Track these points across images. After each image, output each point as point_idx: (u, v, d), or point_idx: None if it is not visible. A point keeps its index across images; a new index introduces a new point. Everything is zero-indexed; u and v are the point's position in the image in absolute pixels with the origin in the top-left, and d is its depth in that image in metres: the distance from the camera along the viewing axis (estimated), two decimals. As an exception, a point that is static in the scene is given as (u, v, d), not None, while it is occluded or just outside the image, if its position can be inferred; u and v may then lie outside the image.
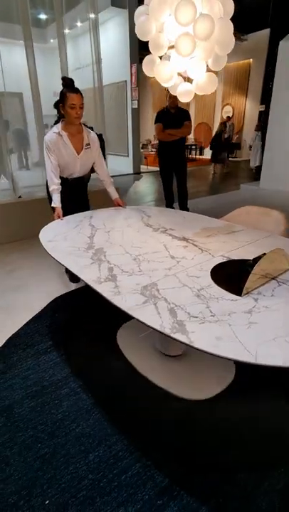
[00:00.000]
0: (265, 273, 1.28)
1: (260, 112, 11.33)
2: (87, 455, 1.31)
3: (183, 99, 1.51)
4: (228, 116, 12.05)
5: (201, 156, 13.12)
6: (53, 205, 2.27)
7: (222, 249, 1.60)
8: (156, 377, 1.68)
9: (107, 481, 1.21)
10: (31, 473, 1.25)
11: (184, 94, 1.50)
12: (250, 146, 11.94)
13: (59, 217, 2.23)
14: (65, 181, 2.34)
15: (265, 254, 1.30)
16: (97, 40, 3.86)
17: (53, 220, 2.22)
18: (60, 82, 2.12)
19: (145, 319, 1.08)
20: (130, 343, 1.95)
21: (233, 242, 1.68)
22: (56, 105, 2.21)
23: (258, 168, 7.10)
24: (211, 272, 1.38)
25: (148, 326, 1.06)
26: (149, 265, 1.45)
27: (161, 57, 1.46)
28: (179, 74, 1.47)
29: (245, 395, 1.58)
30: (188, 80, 1.50)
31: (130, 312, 1.13)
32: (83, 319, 2.24)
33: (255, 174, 7.96)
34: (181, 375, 1.69)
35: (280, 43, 5.56)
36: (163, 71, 1.39)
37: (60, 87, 2.11)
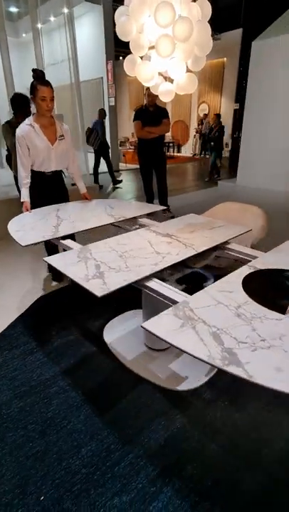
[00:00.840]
0: None
1: (235, 110, 11.61)
2: (80, 450, 1.33)
3: (164, 98, 1.55)
4: (205, 114, 12.25)
5: (178, 154, 13.25)
6: (21, 199, 2.27)
7: (205, 244, 1.65)
8: (144, 370, 1.71)
9: (100, 474, 1.24)
10: (24, 471, 1.25)
11: (165, 93, 1.54)
12: (226, 144, 12.22)
13: (27, 210, 2.24)
14: (41, 175, 2.32)
15: None
16: (72, 36, 3.81)
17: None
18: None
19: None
20: (117, 338, 1.98)
21: (217, 237, 1.74)
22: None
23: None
24: (243, 284, 1.27)
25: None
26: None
27: (142, 57, 1.49)
28: (160, 74, 1.50)
29: (231, 383, 1.65)
30: (169, 79, 1.54)
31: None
32: (69, 318, 2.24)
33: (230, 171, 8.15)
34: (168, 368, 1.74)
35: (253, 43, 5.72)
36: (144, 71, 1.42)
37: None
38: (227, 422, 1.44)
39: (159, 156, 4.19)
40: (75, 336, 2.04)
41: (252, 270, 1.37)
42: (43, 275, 2.81)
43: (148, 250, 1.57)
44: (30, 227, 1.97)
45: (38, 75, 2.08)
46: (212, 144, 6.99)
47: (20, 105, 3.18)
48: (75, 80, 3.99)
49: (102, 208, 2.39)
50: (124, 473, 1.24)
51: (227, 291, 1.23)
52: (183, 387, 1.63)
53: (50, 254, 2.47)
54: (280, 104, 5.59)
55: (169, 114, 4.22)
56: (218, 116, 6.92)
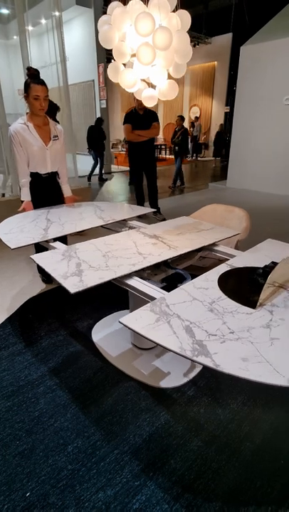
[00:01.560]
0: (272, 281, 1.25)
1: (226, 114, 11.77)
2: (66, 447, 1.35)
3: (147, 103, 1.60)
4: (196, 117, 12.38)
5: (170, 156, 13.34)
6: (22, 198, 2.26)
7: (189, 246, 1.70)
8: (130, 369, 1.75)
9: (86, 470, 1.27)
10: (10, 469, 1.27)
11: (148, 98, 1.58)
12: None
13: (25, 210, 2.25)
14: (37, 177, 2.31)
15: (273, 262, 1.28)
16: (61, 39, 3.85)
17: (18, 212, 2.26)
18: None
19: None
20: (105, 338, 2.01)
21: (202, 240, 1.78)
22: None
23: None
24: (218, 281, 1.33)
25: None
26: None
27: (125, 64, 1.53)
28: (144, 80, 1.55)
29: (214, 380, 1.70)
30: (153, 85, 1.58)
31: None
32: (58, 318, 2.26)
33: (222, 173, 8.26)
34: (154, 366, 1.78)
35: (241, 48, 5.82)
36: (127, 78, 1.47)
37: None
38: (210, 417, 1.49)
39: (149, 159, 4.24)
40: (64, 337, 2.06)
41: (229, 268, 1.44)
42: (34, 277, 2.83)
43: (132, 251, 1.61)
44: (19, 229, 1.97)
45: (32, 74, 2.04)
46: (176, 148, 6.70)
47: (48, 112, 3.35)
48: (63, 83, 4.02)
49: (91, 210, 2.40)
50: (109, 469, 1.27)
51: (203, 288, 1.29)
52: (168, 384, 1.66)
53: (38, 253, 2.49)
54: (268, 108, 5.71)
55: (161, 117, 4.29)
56: (181, 118, 6.63)
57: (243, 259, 1.53)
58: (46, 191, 2.40)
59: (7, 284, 2.75)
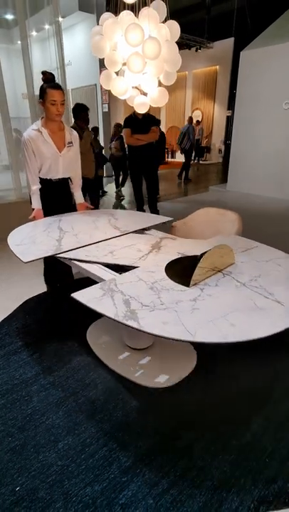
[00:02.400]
0: (213, 266, 1.44)
1: (228, 117, 11.83)
2: (57, 444, 1.39)
3: (139, 110, 1.64)
4: (198, 121, 12.44)
5: (172, 159, 13.41)
6: (32, 206, 2.22)
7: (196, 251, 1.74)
8: (123, 368, 1.78)
9: (75, 466, 1.30)
10: (1, 465, 1.31)
11: (140, 105, 1.63)
12: (220, 150, 12.44)
13: (35, 218, 2.21)
14: (48, 183, 2.26)
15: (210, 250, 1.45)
16: (60, 45, 3.93)
17: (29, 220, 2.22)
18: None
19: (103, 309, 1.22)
20: (100, 339, 2.04)
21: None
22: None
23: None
24: (166, 267, 1.52)
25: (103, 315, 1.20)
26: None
27: (117, 73, 1.58)
28: (136, 88, 1.60)
29: (204, 380, 1.73)
30: (145, 92, 1.63)
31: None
32: (54, 320, 2.31)
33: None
34: (147, 367, 1.81)
35: (241, 53, 5.88)
36: (118, 85, 1.51)
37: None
38: (198, 416, 1.52)
39: (149, 163, 4.29)
40: (59, 337, 2.10)
41: (179, 256, 1.65)
42: (33, 278, 2.87)
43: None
44: (31, 240, 1.88)
45: (48, 78, 1.97)
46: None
47: (78, 112, 3.63)
48: (62, 88, 4.10)
49: (105, 219, 2.29)
50: (97, 465, 1.30)
51: (151, 271, 1.48)
52: (159, 384, 1.70)
53: (46, 264, 2.51)
54: (268, 112, 5.75)
55: (163, 120, 4.33)
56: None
57: (194, 250, 1.70)
58: (57, 197, 2.34)
59: (5, 285, 2.79)
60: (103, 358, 1.87)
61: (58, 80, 4.24)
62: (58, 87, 1.99)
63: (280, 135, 5.67)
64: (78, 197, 2.45)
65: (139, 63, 1.36)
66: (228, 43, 11.05)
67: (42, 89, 1.99)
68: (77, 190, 2.44)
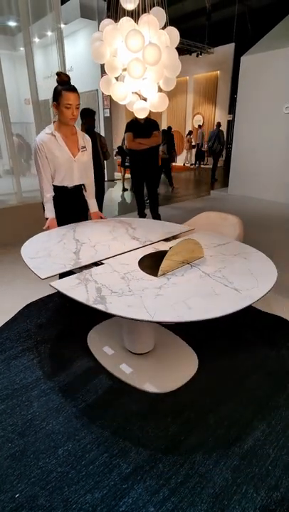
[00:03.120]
0: (183, 259, 1.56)
1: (228, 122, 11.88)
2: (57, 450, 1.38)
3: (139, 115, 1.65)
4: (199, 125, 12.51)
5: (173, 163, 13.43)
6: (46, 215, 2.11)
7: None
8: (124, 374, 1.77)
9: (75, 472, 1.29)
10: (1, 471, 1.30)
11: (140, 110, 1.64)
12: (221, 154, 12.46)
13: (49, 228, 2.10)
14: (63, 190, 2.15)
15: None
16: (62, 52, 3.97)
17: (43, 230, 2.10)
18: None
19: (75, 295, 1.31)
20: (100, 344, 2.03)
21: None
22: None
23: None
24: (140, 261, 1.63)
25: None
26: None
27: (117, 78, 1.59)
28: (136, 93, 1.60)
29: (206, 385, 1.71)
30: (144, 97, 1.64)
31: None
32: (55, 324, 2.30)
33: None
34: (148, 371, 1.79)
35: (241, 58, 5.92)
36: (118, 91, 1.52)
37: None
38: (199, 422, 1.50)
39: (151, 168, 4.30)
40: (60, 341, 2.09)
41: (153, 251, 1.76)
42: (34, 282, 2.87)
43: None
44: (46, 252, 1.75)
45: (63, 80, 1.85)
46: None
47: (85, 117, 3.71)
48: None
49: (123, 228, 2.16)
50: (98, 472, 1.29)
51: (125, 263, 1.59)
52: (160, 389, 1.68)
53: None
54: (268, 116, 5.76)
55: (164, 125, 4.35)
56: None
57: (168, 245, 1.77)
58: (72, 205, 2.24)
59: (7, 288, 2.80)
60: (104, 363, 1.86)
61: (59, 85, 4.31)
62: (73, 89, 1.87)
63: (281, 139, 5.68)
64: (92, 205, 2.35)
65: (139, 69, 1.37)
66: (229, 48, 11.14)
67: (56, 92, 1.88)
68: (91, 198, 2.33)
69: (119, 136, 13.12)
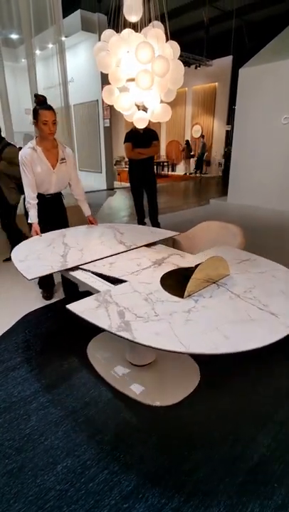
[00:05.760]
0: (208, 278, 1.45)
1: (227, 132, 12.04)
2: (55, 466, 1.33)
3: (138, 125, 1.66)
4: (202, 135, 12.72)
5: (172, 173, 13.56)
6: (29, 221, 2.27)
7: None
8: (124, 386, 1.73)
9: (74, 490, 1.24)
10: (-2, 489, 1.25)
11: (140, 120, 1.65)
12: (220, 163, 12.61)
13: (37, 234, 2.23)
14: (41, 197, 2.34)
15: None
16: (63, 63, 4.05)
17: (31, 237, 2.23)
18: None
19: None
20: (100, 355, 1.99)
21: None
22: None
23: None
24: (161, 279, 1.53)
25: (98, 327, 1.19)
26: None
27: (119, 88, 1.61)
28: (135, 103, 1.62)
29: (209, 398, 1.67)
30: (142, 108, 1.66)
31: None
32: (54, 335, 2.26)
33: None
34: (149, 384, 1.75)
35: (240, 70, 6.02)
36: (123, 101, 1.54)
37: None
38: (203, 437, 1.46)
39: (149, 176, 4.32)
40: (59, 353, 2.05)
41: (174, 268, 1.65)
42: (32, 291, 2.85)
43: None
44: (36, 256, 1.85)
45: (40, 100, 2.12)
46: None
47: None
48: (64, 103, 4.20)
49: (111, 233, 2.29)
50: (98, 490, 1.24)
51: (146, 282, 1.49)
52: (161, 403, 1.64)
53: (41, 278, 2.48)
54: (267, 127, 5.83)
55: (164, 135, 4.39)
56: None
57: (188, 261, 1.71)
58: (50, 211, 2.42)
59: (4, 298, 2.76)
60: (104, 375, 1.82)
61: (60, 96, 4.36)
62: (49, 107, 2.12)
63: (280, 149, 5.74)
64: (85, 210, 2.55)
65: (147, 80, 1.39)
66: (227, 60, 11.35)
67: (35, 111, 2.12)
68: (83, 204, 2.54)
69: (119, 146, 13.28)
